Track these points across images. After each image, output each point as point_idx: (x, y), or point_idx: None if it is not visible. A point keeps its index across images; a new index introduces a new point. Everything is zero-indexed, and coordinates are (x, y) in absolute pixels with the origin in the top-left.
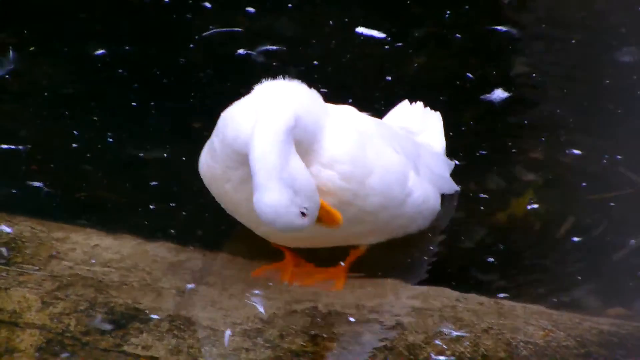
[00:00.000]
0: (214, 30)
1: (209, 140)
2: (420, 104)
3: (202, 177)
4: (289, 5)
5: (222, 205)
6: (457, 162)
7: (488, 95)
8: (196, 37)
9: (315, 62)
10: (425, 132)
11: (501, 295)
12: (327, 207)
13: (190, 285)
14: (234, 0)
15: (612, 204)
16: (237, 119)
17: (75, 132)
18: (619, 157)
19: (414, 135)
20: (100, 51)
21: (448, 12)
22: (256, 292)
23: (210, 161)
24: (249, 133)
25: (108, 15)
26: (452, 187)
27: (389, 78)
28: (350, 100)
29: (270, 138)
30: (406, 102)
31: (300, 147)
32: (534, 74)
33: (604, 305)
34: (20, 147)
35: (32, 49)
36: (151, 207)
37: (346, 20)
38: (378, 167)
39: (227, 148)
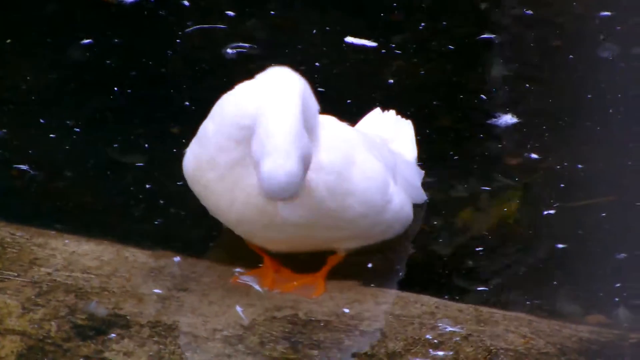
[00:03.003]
0: (196, 27)
1: (199, 131)
2: (392, 112)
3: (185, 171)
4: (272, 12)
5: (204, 202)
6: (435, 167)
7: (495, 120)
8: (178, 37)
9: (302, 67)
10: (398, 141)
11: (480, 302)
12: None
13: (176, 259)
14: (214, 7)
15: (593, 211)
16: (239, 96)
17: (53, 135)
18: (600, 164)
19: (387, 142)
20: (78, 53)
21: (429, 20)
22: (236, 298)
23: (197, 149)
24: (252, 106)
25: (85, 15)
26: (422, 196)
27: (391, 81)
28: (349, 101)
29: (292, 104)
30: (378, 109)
31: None
32: (514, 80)
33: (584, 312)
34: None
35: (8, 41)
36: (130, 212)
37: (327, 28)
38: (361, 175)
39: (225, 122)
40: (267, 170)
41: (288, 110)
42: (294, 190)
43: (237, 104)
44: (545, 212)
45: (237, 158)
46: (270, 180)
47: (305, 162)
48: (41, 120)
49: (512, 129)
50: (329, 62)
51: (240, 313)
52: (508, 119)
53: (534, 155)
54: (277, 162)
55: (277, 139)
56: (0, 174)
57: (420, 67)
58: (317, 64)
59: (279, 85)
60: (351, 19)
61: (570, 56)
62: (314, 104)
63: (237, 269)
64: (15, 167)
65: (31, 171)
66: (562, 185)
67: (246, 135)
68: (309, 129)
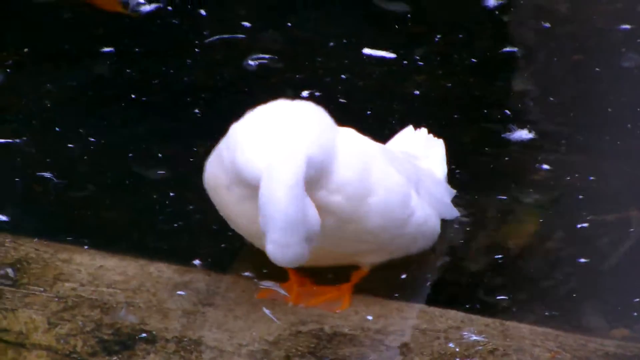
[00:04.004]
0: (216, 37)
1: (217, 148)
2: (424, 130)
3: (205, 184)
4: (288, 23)
5: (224, 216)
6: (458, 176)
7: (509, 134)
8: (198, 48)
9: (327, 79)
10: (428, 159)
11: (506, 316)
12: None
13: (196, 262)
14: (231, 17)
15: (617, 226)
16: (248, 146)
17: (74, 147)
18: (623, 178)
19: (416, 160)
20: (96, 63)
21: (450, 32)
22: (261, 313)
23: (217, 170)
24: (259, 167)
25: (101, 24)
26: (453, 212)
27: (417, 92)
28: (369, 109)
29: (290, 193)
30: (410, 127)
31: (308, 179)
32: (536, 94)
33: (609, 326)
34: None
35: (25, 50)
36: (155, 227)
37: (344, 41)
38: (380, 187)
39: (235, 170)
40: (271, 252)
41: (290, 198)
42: (299, 263)
43: (245, 157)
44: (569, 227)
45: (248, 194)
46: (275, 259)
47: (309, 236)
48: (61, 132)
49: (532, 143)
50: (350, 74)
51: (270, 315)
52: (524, 134)
53: (556, 170)
54: (277, 252)
55: (276, 233)
56: (22, 190)
57: (442, 80)
58: (339, 76)
59: (281, 153)
60: (366, 31)
61: (593, 69)
62: (327, 140)
63: (263, 284)
64: (38, 175)
65: (54, 179)
66: (585, 200)
67: (255, 184)
68: (321, 169)
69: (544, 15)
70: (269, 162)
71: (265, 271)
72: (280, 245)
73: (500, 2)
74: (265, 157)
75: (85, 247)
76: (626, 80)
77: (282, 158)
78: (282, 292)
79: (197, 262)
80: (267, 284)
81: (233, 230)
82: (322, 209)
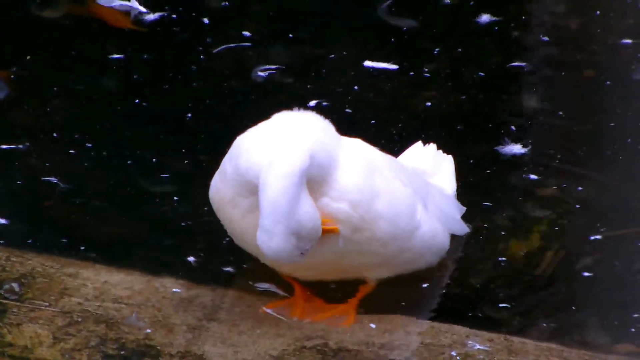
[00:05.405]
0: (223, 46)
1: (221, 164)
2: (433, 146)
3: (211, 200)
4: (290, 35)
5: (229, 232)
6: (465, 189)
7: (516, 149)
8: (205, 58)
9: (336, 90)
10: (438, 175)
11: (511, 331)
12: (326, 228)
13: (191, 258)
14: (233, 27)
15: (623, 241)
16: (251, 150)
17: (80, 161)
18: (631, 193)
19: (425, 176)
20: (107, 80)
21: (457, 47)
22: (266, 328)
23: (220, 185)
24: (261, 165)
25: (102, 36)
26: (463, 228)
27: (429, 104)
28: (373, 122)
29: (282, 182)
30: (419, 143)
31: (311, 181)
32: (545, 109)
33: (613, 341)
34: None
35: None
36: (160, 242)
37: (352, 54)
38: (385, 192)
39: (239, 177)
40: (259, 239)
41: (282, 189)
42: (287, 259)
43: (248, 160)
44: (575, 242)
45: (253, 204)
46: (262, 248)
47: (304, 233)
48: (66, 144)
49: (539, 159)
50: (358, 87)
51: (272, 312)
52: (531, 149)
53: (562, 185)
54: (263, 238)
55: (264, 219)
56: (32, 205)
57: (450, 93)
58: (346, 88)
59: (284, 147)
60: (373, 45)
61: (604, 84)
62: (329, 144)
63: (260, 286)
64: (44, 188)
65: (60, 185)
66: (591, 215)
67: (257, 188)
68: (324, 170)
69: (554, 31)
70: (271, 156)
71: (271, 286)
72: (265, 231)
73: (494, 18)
74: (267, 156)
75: (91, 262)
76: (637, 95)
77: (284, 151)
78: (287, 308)
79: (191, 258)
80: (264, 285)
81: (239, 245)
82: (328, 217)
